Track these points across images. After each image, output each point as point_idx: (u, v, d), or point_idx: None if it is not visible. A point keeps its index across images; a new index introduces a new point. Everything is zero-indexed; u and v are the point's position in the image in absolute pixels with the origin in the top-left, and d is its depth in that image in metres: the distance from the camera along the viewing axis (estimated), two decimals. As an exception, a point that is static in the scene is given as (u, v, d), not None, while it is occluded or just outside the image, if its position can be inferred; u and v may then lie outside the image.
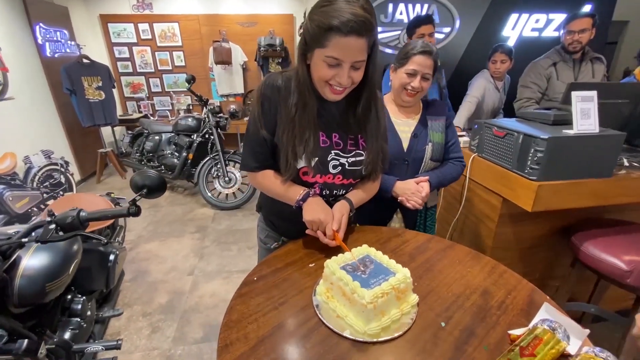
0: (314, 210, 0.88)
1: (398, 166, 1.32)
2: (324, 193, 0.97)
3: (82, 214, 1.00)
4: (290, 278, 0.81)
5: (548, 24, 3.33)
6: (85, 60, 3.75)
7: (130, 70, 5.00)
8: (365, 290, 0.65)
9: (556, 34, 3.33)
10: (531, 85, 2.29)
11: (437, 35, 3.25)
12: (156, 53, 4.95)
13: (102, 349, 1.19)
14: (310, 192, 0.92)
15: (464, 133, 2.11)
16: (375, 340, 0.63)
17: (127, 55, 4.90)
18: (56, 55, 3.77)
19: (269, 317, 0.69)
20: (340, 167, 0.94)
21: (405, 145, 1.32)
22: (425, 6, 3.11)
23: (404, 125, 1.35)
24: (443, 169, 1.35)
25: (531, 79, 2.29)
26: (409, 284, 0.72)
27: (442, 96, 2.21)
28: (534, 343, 0.57)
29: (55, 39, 3.79)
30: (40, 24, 3.54)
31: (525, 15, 3.26)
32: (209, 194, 3.54)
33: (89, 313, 1.52)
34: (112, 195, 2.28)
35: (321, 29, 0.72)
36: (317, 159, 0.90)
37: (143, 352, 1.83)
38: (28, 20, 3.40)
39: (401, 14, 3.10)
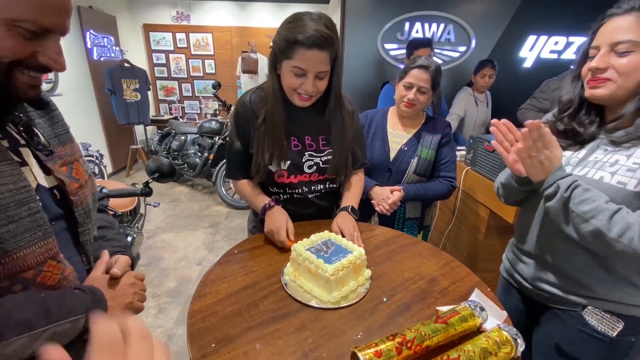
0: (269, 223, 0.99)
1: (381, 173, 1.43)
2: (303, 190, 1.09)
3: (104, 190, 1.19)
4: (264, 254, 0.95)
5: (568, 47, 3.33)
6: (126, 64, 4.14)
7: (166, 75, 5.42)
8: (328, 265, 0.77)
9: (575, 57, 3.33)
10: (539, 98, 2.42)
11: (452, 54, 3.35)
12: (190, 60, 5.35)
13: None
14: (266, 206, 1.02)
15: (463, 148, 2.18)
16: (336, 307, 0.75)
17: (163, 61, 5.33)
18: (102, 59, 4.19)
19: (239, 280, 0.82)
20: (315, 167, 1.07)
21: (392, 155, 1.43)
22: (442, 25, 3.22)
23: (397, 137, 1.46)
24: (426, 184, 1.41)
25: (540, 94, 2.41)
26: (364, 260, 0.83)
27: (435, 113, 2.30)
28: (450, 314, 0.66)
29: (102, 44, 4.22)
30: (91, 31, 3.97)
31: (543, 37, 3.28)
32: (225, 193, 3.75)
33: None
34: (136, 185, 2.52)
35: (288, 43, 0.86)
36: (289, 162, 1.03)
37: (148, 329, 2.01)
38: (80, 26, 3.83)
39: (417, 32, 3.22)
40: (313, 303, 0.76)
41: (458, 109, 2.59)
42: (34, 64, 0.48)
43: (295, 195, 1.10)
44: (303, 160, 1.05)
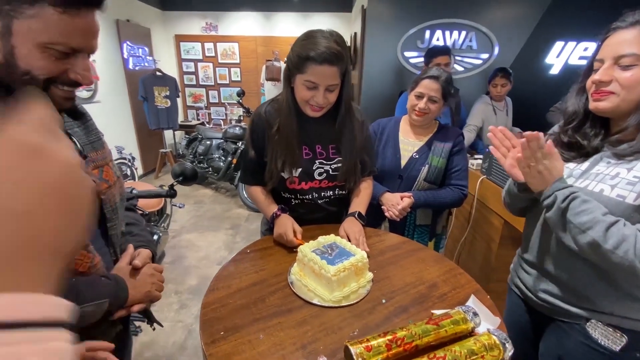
0: (277, 229, 1.06)
1: (392, 180, 1.47)
2: (313, 196, 1.15)
3: (134, 190, 1.31)
4: (274, 255, 1.02)
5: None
6: (158, 73, 4.40)
7: (194, 82, 5.70)
8: (331, 266, 0.83)
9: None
10: (566, 101, 2.36)
11: (475, 61, 3.32)
12: (217, 69, 5.59)
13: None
14: (274, 215, 1.10)
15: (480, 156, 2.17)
16: (336, 305, 0.80)
17: (192, 69, 5.61)
18: (136, 68, 4.49)
19: (250, 277, 0.90)
20: (325, 174, 1.13)
21: (403, 162, 1.46)
22: (463, 33, 3.21)
23: (408, 145, 1.49)
24: (437, 192, 1.43)
25: (567, 98, 2.36)
26: (365, 264, 0.88)
27: (453, 121, 2.29)
28: (442, 317, 0.70)
29: (137, 54, 4.52)
30: (127, 42, 4.27)
31: (572, 44, 3.19)
32: (246, 197, 3.88)
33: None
34: (164, 187, 2.69)
35: (301, 59, 0.93)
36: (300, 169, 1.09)
37: (170, 322, 2.13)
38: (118, 38, 4.14)
39: (438, 40, 3.23)
40: (315, 301, 0.82)
41: (475, 119, 2.55)
42: (67, 80, 0.57)
43: (305, 201, 1.17)
44: (314, 168, 1.12)
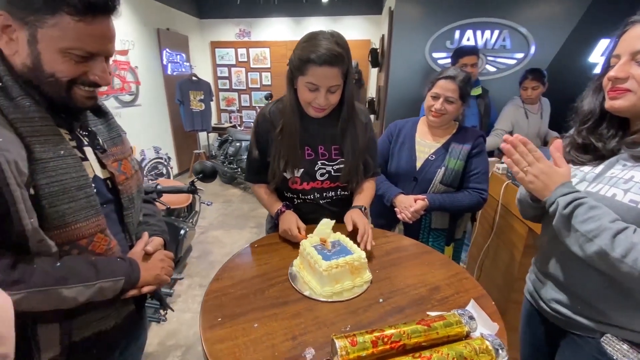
0: (282, 225, 1.08)
1: (407, 182, 1.44)
2: (315, 196, 1.17)
3: (159, 186, 1.40)
4: (279, 250, 1.05)
5: (651, 50, 2.93)
6: (194, 78, 4.65)
7: (227, 87, 5.95)
8: (324, 262, 0.84)
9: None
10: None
11: (508, 62, 3.17)
12: (249, 73, 5.80)
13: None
14: (279, 212, 1.13)
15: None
16: (327, 300, 0.82)
17: (226, 74, 5.86)
18: (174, 74, 4.78)
19: (253, 269, 0.94)
20: (327, 174, 1.14)
21: (418, 164, 1.44)
22: (496, 32, 3.07)
23: (425, 146, 1.46)
24: (453, 195, 1.38)
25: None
26: (363, 264, 0.88)
27: (482, 123, 2.20)
28: (435, 318, 0.68)
29: (175, 60, 4.81)
30: (167, 49, 4.56)
31: (619, 41, 2.94)
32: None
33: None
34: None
35: (302, 61, 0.95)
36: (302, 169, 1.11)
37: (193, 313, 2.24)
38: (159, 46, 4.43)
39: (468, 40, 3.12)
40: (306, 293, 0.84)
41: (503, 123, 2.41)
42: (87, 81, 0.64)
43: (307, 201, 1.19)
44: (315, 169, 1.13)
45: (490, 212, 1.91)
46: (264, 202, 1.22)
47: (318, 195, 1.17)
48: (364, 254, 0.89)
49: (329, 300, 0.82)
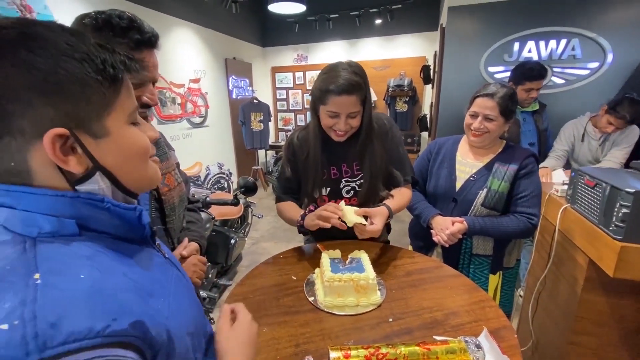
0: (316, 214, 1.07)
1: (446, 203, 1.38)
2: None
3: (208, 198, 1.58)
4: (301, 262, 1.10)
5: None
6: (254, 101, 5.08)
7: (285, 108, 6.33)
8: (330, 273, 0.88)
9: None
10: None
11: (580, 72, 2.86)
12: (305, 95, 6.11)
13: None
14: (308, 211, 1.14)
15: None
16: (327, 310, 0.85)
17: (284, 97, 6.26)
18: (238, 97, 5.27)
19: (274, 278, 1.00)
20: (352, 191, 1.18)
21: (458, 184, 1.37)
22: (563, 41, 2.81)
23: (466, 166, 1.40)
24: (498, 219, 1.29)
25: None
26: (372, 285, 0.88)
27: (540, 141, 1.98)
28: (437, 343, 0.66)
29: (240, 86, 5.31)
30: (232, 76, 5.07)
31: None
32: (320, 212, 4.07)
33: (210, 276, 2.16)
34: (247, 199, 3.06)
35: (322, 92, 1.02)
36: (329, 188, 1.17)
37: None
38: (226, 73, 4.96)
39: (530, 51, 2.90)
40: (312, 299, 0.89)
41: (562, 143, 2.15)
42: (140, 103, 0.78)
43: None
44: (341, 187, 1.19)
45: (548, 238, 1.71)
46: (287, 215, 1.25)
47: None
48: (373, 274, 0.89)
49: (331, 311, 0.84)
